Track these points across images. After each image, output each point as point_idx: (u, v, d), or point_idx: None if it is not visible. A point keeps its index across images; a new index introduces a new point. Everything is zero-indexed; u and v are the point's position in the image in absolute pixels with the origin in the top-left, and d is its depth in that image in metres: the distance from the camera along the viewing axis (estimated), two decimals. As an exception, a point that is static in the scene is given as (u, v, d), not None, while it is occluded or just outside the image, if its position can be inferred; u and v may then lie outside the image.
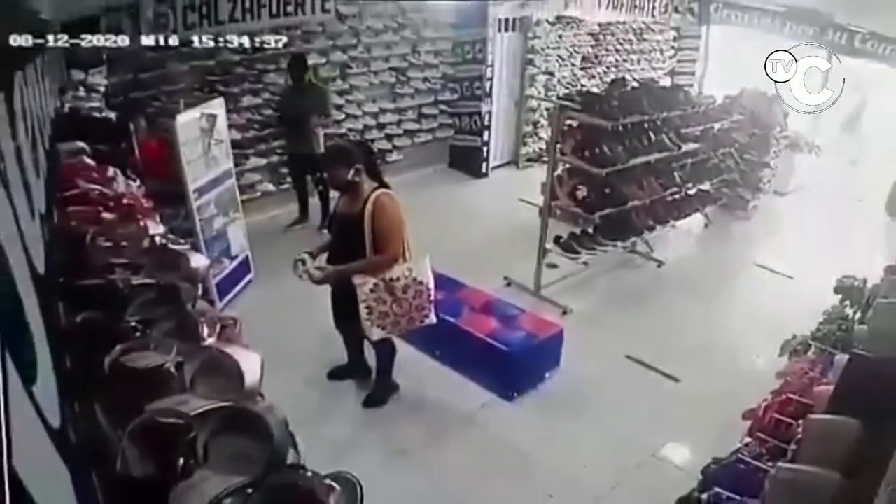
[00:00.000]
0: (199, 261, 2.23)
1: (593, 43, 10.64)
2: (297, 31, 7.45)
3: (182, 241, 2.48)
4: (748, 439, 3.04)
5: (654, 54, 11.72)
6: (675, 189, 6.99)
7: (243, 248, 6.10)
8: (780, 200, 9.43)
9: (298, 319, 5.18)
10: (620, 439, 4.39)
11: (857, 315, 3.91)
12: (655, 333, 5.67)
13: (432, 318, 4.24)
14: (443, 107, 9.47)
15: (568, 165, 6.31)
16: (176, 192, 5.12)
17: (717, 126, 7.66)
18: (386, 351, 4.52)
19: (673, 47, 11.96)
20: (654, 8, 10.80)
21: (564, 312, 5.95)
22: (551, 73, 10.05)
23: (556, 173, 6.21)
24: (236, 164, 6.27)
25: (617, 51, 11.04)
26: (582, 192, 6.15)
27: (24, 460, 0.75)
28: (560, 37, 10.02)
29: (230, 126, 6.26)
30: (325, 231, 5.28)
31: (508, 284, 6.38)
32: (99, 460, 1.35)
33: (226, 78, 7.07)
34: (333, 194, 5.86)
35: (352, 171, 3.93)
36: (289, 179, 7.56)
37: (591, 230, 6.36)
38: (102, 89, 5.03)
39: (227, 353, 1.60)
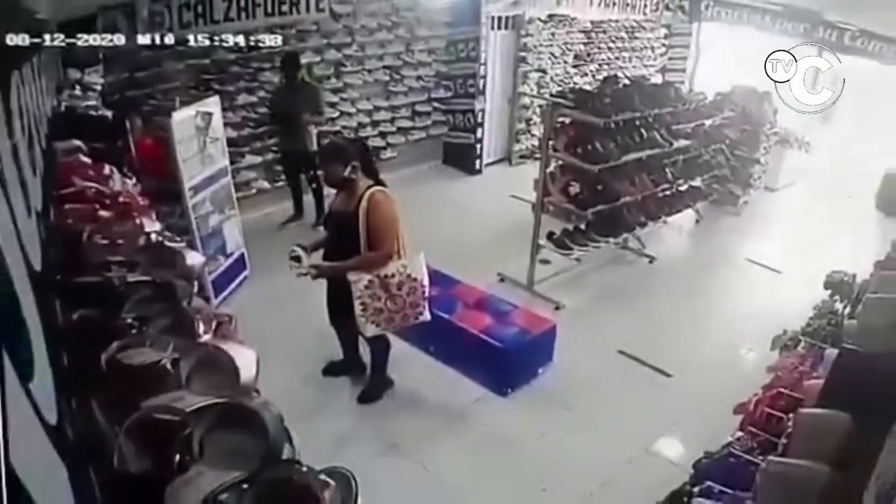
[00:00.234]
0: (194, 258, 2.24)
1: (585, 41, 10.67)
2: (291, 30, 7.44)
3: (178, 238, 2.49)
4: (739, 433, 3.05)
5: (646, 52, 11.76)
6: (666, 185, 7.02)
7: (239, 245, 6.10)
8: (771, 196, 9.50)
9: (293, 316, 5.19)
10: (613, 434, 4.42)
11: (847, 310, 3.94)
12: (647, 329, 5.70)
13: (426, 315, 4.25)
14: (436, 104, 9.48)
15: (560, 162, 6.33)
16: (172, 190, 5.13)
17: (707, 123, 7.69)
18: (380, 347, 4.53)
19: (664, 45, 12.01)
20: (645, 6, 10.84)
21: (557, 308, 5.98)
22: (544, 71, 10.07)
23: (548, 170, 6.22)
24: (232, 162, 6.26)
25: (609, 48, 11.07)
26: (574, 188, 6.17)
27: (21, 456, 0.76)
28: (552, 35, 10.04)
29: (225, 124, 6.25)
30: (320, 228, 5.28)
31: (502, 280, 6.40)
32: (95, 456, 1.35)
33: (221, 76, 7.06)
34: (328, 192, 5.88)
35: (348, 169, 3.94)
36: (283, 177, 7.55)
37: (583, 226, 6.39)
38: (99, 88, 5.02)
39: (223, 349, 1.61)
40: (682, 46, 11.85)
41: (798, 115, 8.59)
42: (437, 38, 9.17)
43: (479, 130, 9.48)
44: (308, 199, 7.38)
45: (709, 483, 2.71)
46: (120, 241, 2.12)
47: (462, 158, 9.65)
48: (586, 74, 10.70)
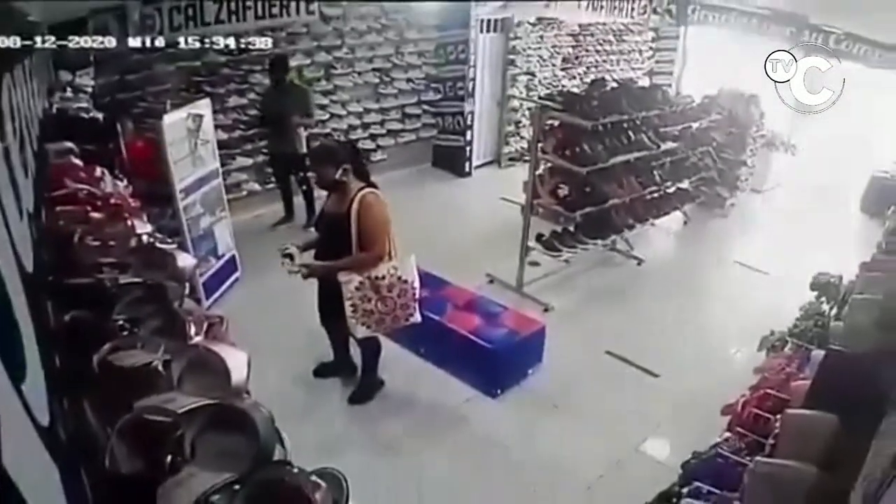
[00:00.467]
0: (185, 260, 2.23)
1: (573, 44, 10.74)
2: (281, 33, 7.45)
3: (169, 240, 2.49)
4: (727, 434, 3.07)
5: (633, 55, 11.84)
6: (654, 187, 7.05)
7: (230, 246, 6.09)
8: (757, 198, 9.58)
9: (284, 317, 5.20)
10: (601, 434, 4.44)
11: (833, 311, 3.97)
12: (635, 330, 5.73)
13: (417, 317, 4.25)
14: (426, 107, 9.50)
15: (549, 164, 6.35)
16: (163, 192, 5.11)
17: (695, 125, 7.75)
18: (371, 348, 4.53)
19: (651, 48, 12.10)
20: (632, 9, 10.90)
21: (546, 309, 6.00)
22: (532, 74, 10.12)
23: (537, 172, 6.24)
24: (222, 164, 6.25)
25: (597, 51, 11.14)
26: (563, 190, 6.19)
27: (13, 457, 0.77)
28: (541, 38, 10.10)
29: (216, 126, 6.26)
30: (311, 230, 5.28)
31: (491, 282, 6.42)
32: (87, 457, 1.35)
33: (212, 79, 7.06)
34: (318, 194, 5.88)
35: (339, 171, 3.95)
36: (273, 179, 7.55)
37: (572, 228, 6.40)
38: (90, 90, 5.02)
39: (214, 350, 1.61)
40: (669, 50, 11.93)
41: (784, 117, 8.75)
42: (426, 41, 9.20)
43: (469, 133, 9.51)
44: (298, 200, 7.38)
45: (697, 483, 2.73)
46: (111, 243, 2.12)
47: (451, 161, 9.67)
48: (574, 77, 10.76)
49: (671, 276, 7.02)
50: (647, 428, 4.55)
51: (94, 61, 5.31)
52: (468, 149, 9.61)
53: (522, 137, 10.07)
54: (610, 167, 6.36)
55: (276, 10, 7.14)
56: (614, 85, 7.41)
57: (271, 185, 7.63)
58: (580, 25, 10.64)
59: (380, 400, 4.68)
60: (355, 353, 4.70)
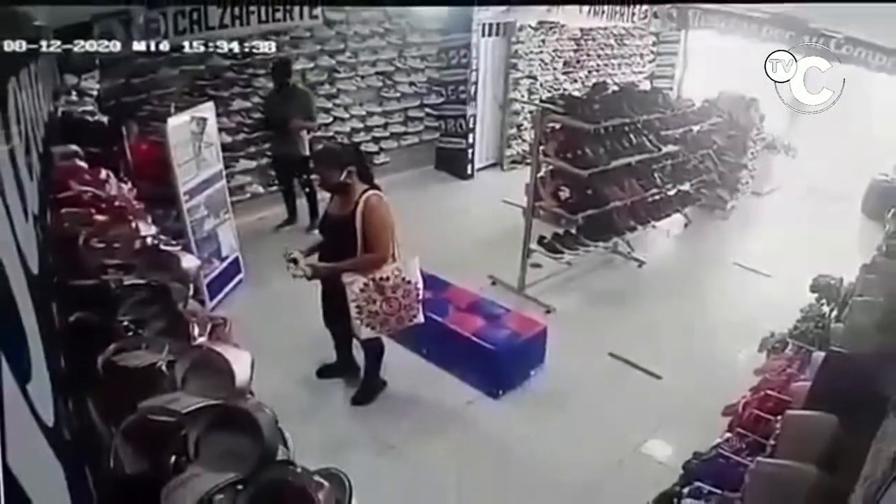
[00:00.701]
0: (189, 261, 2.25)
1: (575, 48, 10.72)
2: (285, 37, 7.47)
3: (173, 242, 2.50)
4: (728, 434, 3.08)
5: (635, 59, 11.82)
6: (655, 190, 7.04)
7: (233, 248, 6.10)
8: (758, 201, 9.54)
9: (288, 318, 5.19)
10: (603, 435, 4.44)
11: (834, 313, 3.97)
12: (637, 331, 5.72)
13: (420, 318, 4.27)
14: (429, 110, 9.50)
15: (551, 167, 6.35)
16: (167, 194, 5.13)
17: (695, 128, 7.76)
18: (374, 349, 4.54)
19: (652, 52, 12.09)
20: (633, 14, 10.89)
21: (548, 311, 6.00)
22: (534, 77, 10.11)
23: (539, 175, 6.25)
24: (226, 167, 6.28)
25: (598, 55, 11.12)
26: (565, 193, 6.20)
27: (18, 457, 0.78)
28: (543, 42, 10.08)
29: (220, 129, 6.27)
30: (315, 232, 5.29)
31: (493, 284, 6.42)
32: (92, 457, 1.36)
33: (216, 82, 7.09)
34: (321, 196, 5.89)
35: (343, 174, 3.97)
36: (277, 181, 7.56)
37: (573, 230, 6.40)
38: (95, 93, 5.03)
39: (218, 351, 1.62)
40: (670, 54, 11.91)
41: (784, 120, 8.74)
42: (429, 45, 9.20)
43: (471, 136, 9.52)
44: (302, 203, 7.39)
45: (698, 484, 2.74)
46: (116, 245, 2.13)
47: (454, 163, 9.68)
48: (576, 81, 10.75)
49: (672, 278, 7.00)
50: (649, 428, 4.54)
51: (99, 65, 5.35)
52: (470, 151, 9.61)
53: (524, 140, 10.07)
54: (611, 170, 6.36)
55: (279, 15, 7.16)
56: (615, 88, 7.40)
57: (274, 188, 7.64)
58: (582, 29, 10.62)
59: (382, 401, 4.68)
60: (358, 354, 4.71)
